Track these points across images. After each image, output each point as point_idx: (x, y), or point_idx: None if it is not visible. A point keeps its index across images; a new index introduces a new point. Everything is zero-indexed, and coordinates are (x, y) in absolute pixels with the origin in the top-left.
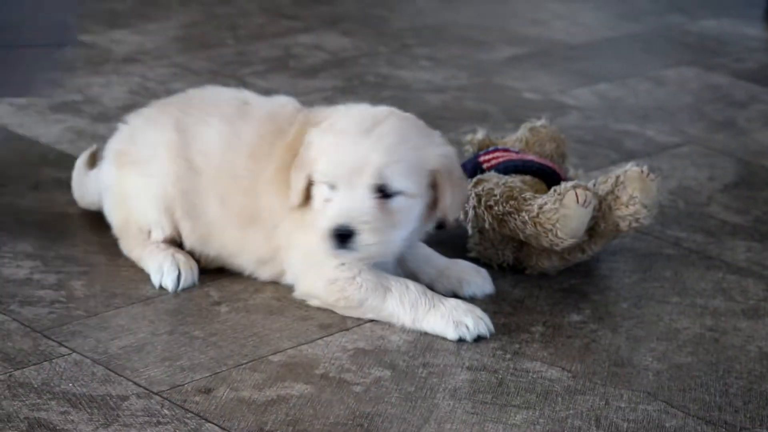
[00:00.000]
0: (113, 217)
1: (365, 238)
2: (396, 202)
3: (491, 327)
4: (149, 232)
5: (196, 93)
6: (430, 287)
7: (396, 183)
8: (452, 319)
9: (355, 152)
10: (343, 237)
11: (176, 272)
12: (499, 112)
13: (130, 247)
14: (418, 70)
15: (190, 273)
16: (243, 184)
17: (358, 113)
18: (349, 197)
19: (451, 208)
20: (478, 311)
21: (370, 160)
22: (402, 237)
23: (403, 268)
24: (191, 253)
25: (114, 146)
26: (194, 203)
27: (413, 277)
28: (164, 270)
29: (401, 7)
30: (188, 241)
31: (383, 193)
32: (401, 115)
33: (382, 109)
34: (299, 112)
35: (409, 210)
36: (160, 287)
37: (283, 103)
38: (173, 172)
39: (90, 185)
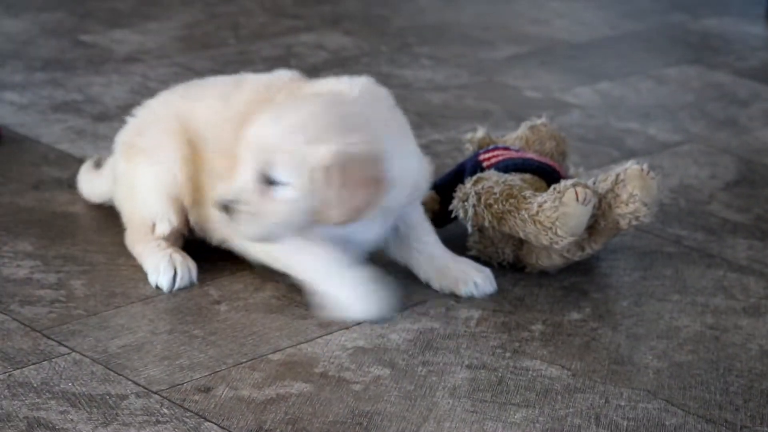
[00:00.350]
0: (122, 209)
1: (239, 219)
2: (278, 193)
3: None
4: (153, 226)
5: (198, 81)
6: (428, 284)
7: (278, 173)
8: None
9: (259, 134)
10: (227, 210)
11: (172, 272)
12: (500, 111)
13: (134, 241)
14: (420, 68)
15: (187, 273)
16: (234, 160)
17: (305, 93)
18: (241, 175)
19: (331, 211)
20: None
21: (262, 145)
22: (288, 228)
23: (406, 262)
24: (203, 243)
25: (122, 139)
26: (200, 187)
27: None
28: (161, 269)
29: (402, 6)
30: (197, 229)
31: (268, 180)
32: (332, 100)
33: (319, 92)
34: (294, 82)
35: (292, 203)
36: (157, 286)
37: (281, 75)
38: (180, 158)
39: (100, 179)
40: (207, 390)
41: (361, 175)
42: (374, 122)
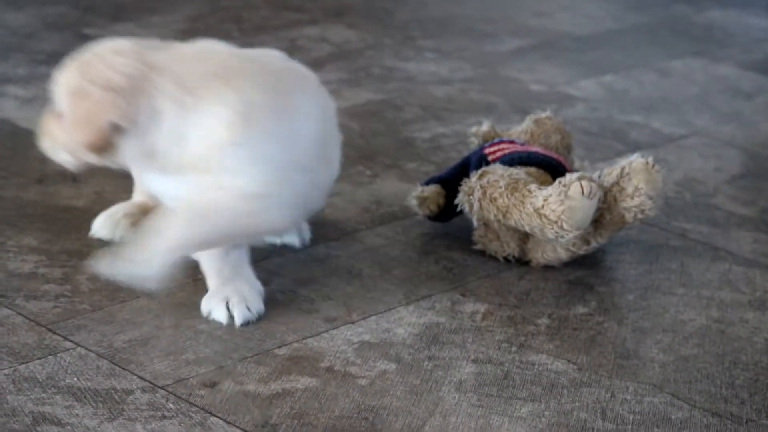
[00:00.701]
0: None
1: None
2: (62, 122)
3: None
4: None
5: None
6: None
7: (56, 103)
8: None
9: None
10: None
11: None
12: (504, 104)
13: None
14: (424, 62)
15: None
16: None
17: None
18: None
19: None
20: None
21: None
22: (78, 159)
23: None
24: None
25: None
26: None
27: None
28: None
29: None
30: None
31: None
32: (115, 46)
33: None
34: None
35: (62, 131)
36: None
37: (269, 52)
38: None
39: None
40: (213, 385)
41: (85, 112)
42: (165, 78)
